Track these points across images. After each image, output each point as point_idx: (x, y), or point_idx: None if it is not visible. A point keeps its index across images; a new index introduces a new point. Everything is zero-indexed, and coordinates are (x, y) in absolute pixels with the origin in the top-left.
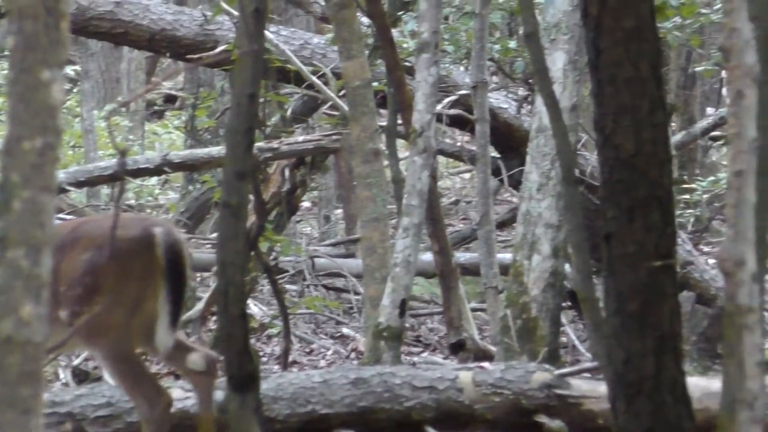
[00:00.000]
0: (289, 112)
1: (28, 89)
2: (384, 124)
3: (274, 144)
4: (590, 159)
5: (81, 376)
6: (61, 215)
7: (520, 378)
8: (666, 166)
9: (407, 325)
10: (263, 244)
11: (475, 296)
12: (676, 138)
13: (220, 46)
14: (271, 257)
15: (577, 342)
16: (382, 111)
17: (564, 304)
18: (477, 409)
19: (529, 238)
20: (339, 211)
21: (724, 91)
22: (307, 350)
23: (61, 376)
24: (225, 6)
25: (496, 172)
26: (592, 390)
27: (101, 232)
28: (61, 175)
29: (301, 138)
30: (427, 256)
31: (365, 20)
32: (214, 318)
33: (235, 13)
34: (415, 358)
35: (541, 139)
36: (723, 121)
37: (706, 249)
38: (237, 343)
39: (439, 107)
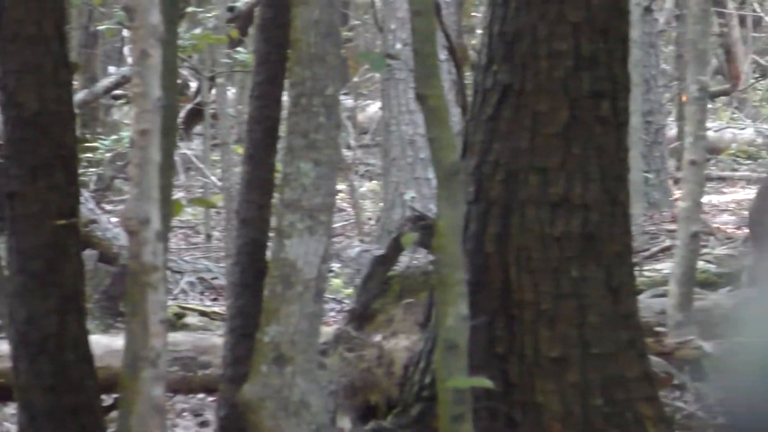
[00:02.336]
0: None
1: None
2: None
3: None
4: None
5: None
6: None
7: None
8: (70, 124)
9: None
10: None
11: None
12: (78, 97)
13: None
14: None
15: None
16: None
17: None
18: None
19: None
20: None
21: (126, 50)
22: None
23: None
24: None
25: None
26: None
27: None
28: None
29: None
30: None
31: None
32: None
33: None
34: None
35: None
36: (125, 80)
37: (108, 207)
38: None
39: None
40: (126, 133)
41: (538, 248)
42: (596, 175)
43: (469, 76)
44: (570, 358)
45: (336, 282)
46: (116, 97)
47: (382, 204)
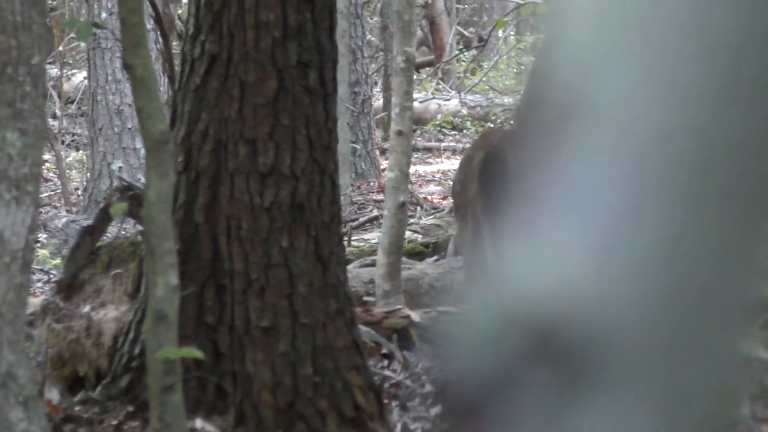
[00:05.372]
0: None
1: None
2: None
3: None
4: None
5: None
6: None
7: None
8: None
9: None
10: None
11: None
12: None
13: None
14: None
15: None
16: None
17: None
18: None
19: None
20: None
21: None
22: None
23: None
24: None
25: None
26: None
27: None
28: None
29: None
30: None
31: None
32: None
33: None
34: None
35: None
36: None
37: None
38: None
39: None
40: None
41: (248, 218)
42: (304, 146)
43: (176, 45)
44: (279, 327)
45: (43, 252)
46: None
47: (89, 174)
